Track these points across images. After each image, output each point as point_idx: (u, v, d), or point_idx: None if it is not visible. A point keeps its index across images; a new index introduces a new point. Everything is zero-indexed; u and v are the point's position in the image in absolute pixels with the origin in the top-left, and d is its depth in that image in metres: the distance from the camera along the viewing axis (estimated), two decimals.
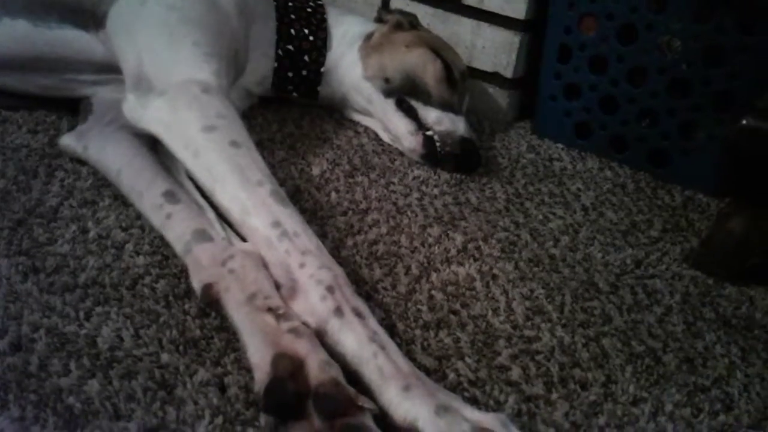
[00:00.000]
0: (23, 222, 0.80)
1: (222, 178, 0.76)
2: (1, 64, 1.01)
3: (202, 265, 0.71)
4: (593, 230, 0.99)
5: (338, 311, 0.64)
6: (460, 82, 1.17)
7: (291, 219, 0.73)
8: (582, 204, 1.06)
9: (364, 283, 0.79)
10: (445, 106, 1.13)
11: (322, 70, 1.18)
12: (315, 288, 0.67)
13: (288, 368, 0.58)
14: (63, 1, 1.00)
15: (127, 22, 0.93)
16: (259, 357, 0.60)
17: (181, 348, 0.65)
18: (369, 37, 1.20)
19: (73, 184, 0.89)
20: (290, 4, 1.17)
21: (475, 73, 1.36)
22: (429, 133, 1.11)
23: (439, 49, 1.17)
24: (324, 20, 1.19)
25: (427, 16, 1.37)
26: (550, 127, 1.31)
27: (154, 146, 0.91)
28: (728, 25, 1.07)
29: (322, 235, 0.86)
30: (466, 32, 1.35)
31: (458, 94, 1.16)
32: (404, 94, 1.14)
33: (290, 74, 1.17)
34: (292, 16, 1.16)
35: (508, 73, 1.33)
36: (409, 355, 0.67)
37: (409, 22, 1.24)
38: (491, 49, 1.33)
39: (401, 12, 1.28)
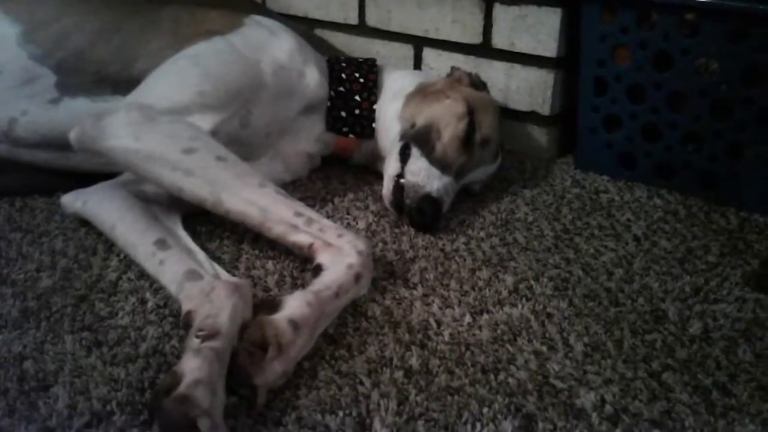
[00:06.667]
0: (85, 298, 0.83)
1: (227, 188, 0.86)
2: (60, 144, 1.03)
3: (192, 297, 0.77)
4: (648, 260, 0.97)
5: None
6: (477, 147, 1.10)
7: (304, 208, 0.88)
8: (633, 234, 1.05)
9: (416, 331, 0.79)
10: (443, 164, 1.04)
11: (374, 107, 1.18)
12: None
13: None
14: (112, 74, 1.06)
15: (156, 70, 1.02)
16: None
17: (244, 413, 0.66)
18: (423, 86, 1.19)
19: (130, 258, 0.92)
20: (342, 58, 1.22)
21: (511, 113, 1.37)
22: (403, 181, 1.04)
23: (477, 109, 1.11)
24: (374, 66, 1.22)
25: (459, 63, 1.39)
26: (593, 159, 1.30)
27: (147, 198, 0.99)
28: (764, 42, 1.05)
29: (371, 283, 0.87)
30: (499, 75, 1.36)
31: (468, 157, 1.08)
32: (417, 140, 1.07)
33: (343, 113, 1.17)
34: (343, 64, 1.20)
35: (545, 111, 1.33)
36: (474, 396, 0.67)
37: (471, 81, 1.20)
38: (526, 89, 1.34)
39: (471, 73, 1.23)
